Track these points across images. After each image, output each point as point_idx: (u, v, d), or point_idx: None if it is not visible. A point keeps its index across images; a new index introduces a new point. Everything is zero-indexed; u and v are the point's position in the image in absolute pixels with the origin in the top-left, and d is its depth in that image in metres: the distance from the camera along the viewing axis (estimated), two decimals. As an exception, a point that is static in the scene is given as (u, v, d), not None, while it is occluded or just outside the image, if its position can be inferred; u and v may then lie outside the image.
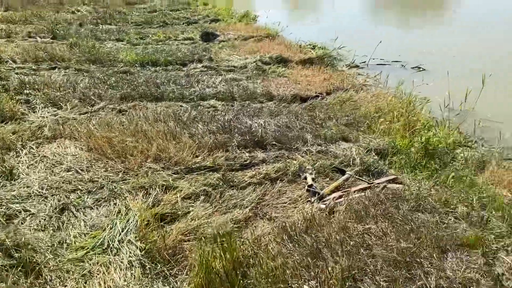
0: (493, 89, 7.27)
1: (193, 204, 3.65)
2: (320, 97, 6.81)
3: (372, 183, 4.23)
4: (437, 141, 4.81)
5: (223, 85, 7.10)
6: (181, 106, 6.15)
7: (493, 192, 4.04)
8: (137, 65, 8.35)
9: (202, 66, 8.17)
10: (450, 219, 3.54)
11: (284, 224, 3.24)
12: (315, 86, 7.29)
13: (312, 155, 4.83)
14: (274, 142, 5.00)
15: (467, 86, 6.43)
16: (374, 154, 4.87)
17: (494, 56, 8.90)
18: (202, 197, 3.74)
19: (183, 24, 12.07)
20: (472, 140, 5.45)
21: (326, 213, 3.49)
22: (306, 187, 3.99)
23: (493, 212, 3.63)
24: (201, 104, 6.29)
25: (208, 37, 9.90)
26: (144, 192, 3.84)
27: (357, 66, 9.28)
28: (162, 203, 3.66)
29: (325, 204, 3.68)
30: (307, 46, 9.67)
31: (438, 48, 9.77)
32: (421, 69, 8.69)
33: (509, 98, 7.04)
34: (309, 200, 3.79)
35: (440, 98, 6.54)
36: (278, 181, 4.12)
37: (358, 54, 9.37)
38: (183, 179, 4.09)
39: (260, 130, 5.18)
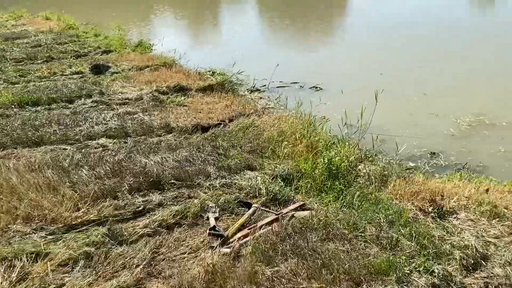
0: (388, 103, 7.59)
1: (69, 273, 3.00)
2: (222, 125, 6.49)
3: (280, 213, 3.95)
4: (339, 160, 4.73)
5: (115, 121, 6.45)
6: (64, 149, 5.38)
7: (398, 207, 3.99)
8: (14, 106, 7.31)
9: (92, 102, 7.40)
10: (361, 244, 3.36)
11: (180, 282, 2.76)
12: (217, 114, 6.97)
13: (216, 189, 4.44)
14: (172, 181, 4.52)
15: (364, 102, 6.57)
16: (280, 180, 4.63)
17: (387, 71, 9.39)
18: (82, 262, 3.11)
19: (71, 57, 11.05)
20: (372, 155, 5.50)
21: (231, 259, 3.09)
22: (208, 230, 3.56)
23: (401, 230, 3.54)
24: (88, 144, 5.58)
25: (99, 69, 9.13)
26: (6, 265, 3.09)
27: (258, 90, 9.20)
28: (29, 276, 2.95)
29: (229, 247, 3.28)
30: (206, 72, 9.39)
31: (334, 67, 10.09)
32: (319, 88, 8.86)
33: (401, 110, 7.41)
34: (211, 246, 3.36)
35: (339, 115, 6.64)
36: (177, 227, 3.63)
37: (258, 77, 9.31)
38: (60, 240, 3.41)
39: (155, 168, 4.67)
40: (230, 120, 6.71)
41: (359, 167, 5.04)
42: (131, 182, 4.33)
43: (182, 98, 7.70)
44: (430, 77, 8.77)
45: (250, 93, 9.04)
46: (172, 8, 19.43)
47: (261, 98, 8.84)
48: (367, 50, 11.06)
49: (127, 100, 7.52)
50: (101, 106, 7.24)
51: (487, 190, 4.72)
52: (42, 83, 8.88)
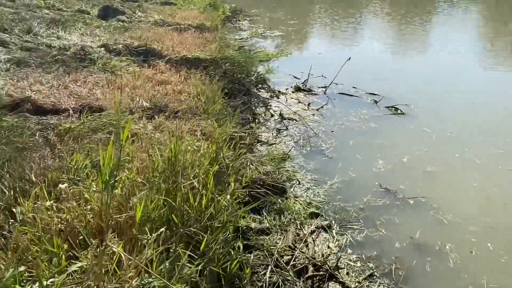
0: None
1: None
2: (69, 113, 3.22)
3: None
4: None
5: None
6: None
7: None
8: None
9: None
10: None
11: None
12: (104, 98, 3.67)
13: None
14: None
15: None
16: None
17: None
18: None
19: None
20: None
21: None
22: None
23: None
24: None
25: (106, 13, 6.79)
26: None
27: (309, 91, 5.56)
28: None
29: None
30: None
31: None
32: (399, 110, 4.63)
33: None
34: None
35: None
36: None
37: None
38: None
39: None
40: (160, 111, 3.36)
41: None
42: None
43: (135, 65, 4.65)
44: None
45: (293, 92, 5.51)
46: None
47: (299, 102, 5.26)
48: None
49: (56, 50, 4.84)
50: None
51: None
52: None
